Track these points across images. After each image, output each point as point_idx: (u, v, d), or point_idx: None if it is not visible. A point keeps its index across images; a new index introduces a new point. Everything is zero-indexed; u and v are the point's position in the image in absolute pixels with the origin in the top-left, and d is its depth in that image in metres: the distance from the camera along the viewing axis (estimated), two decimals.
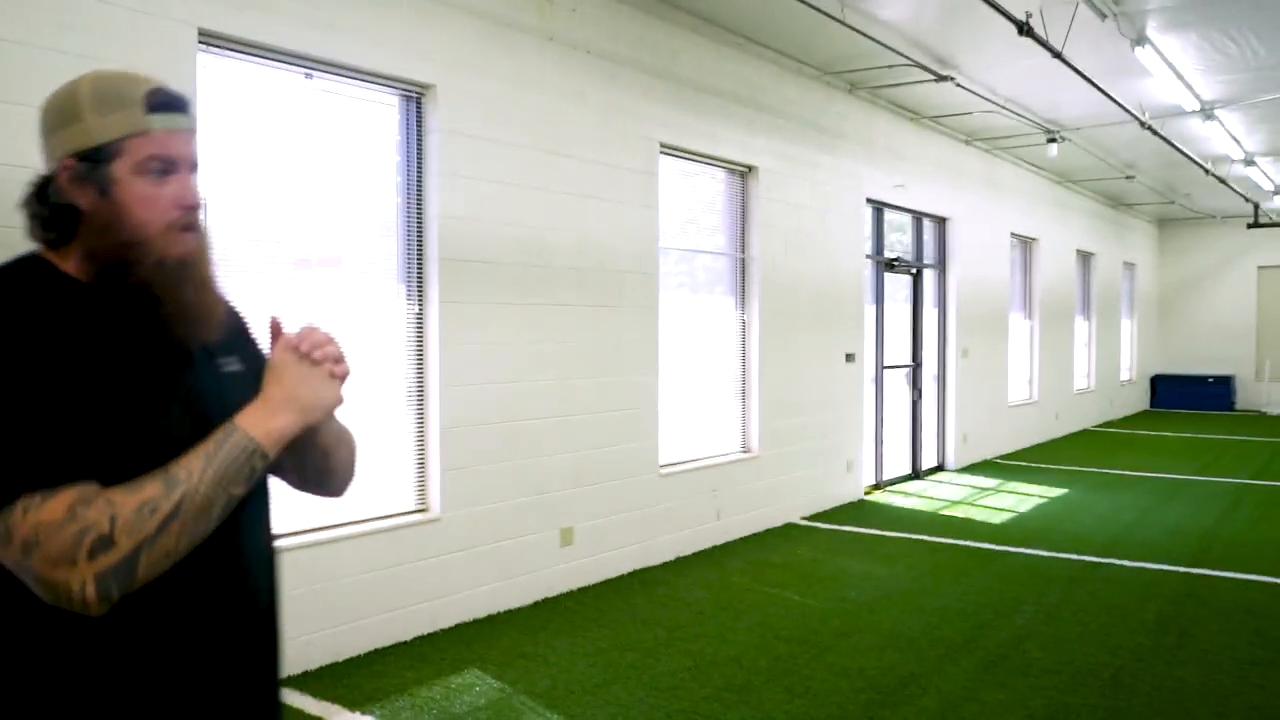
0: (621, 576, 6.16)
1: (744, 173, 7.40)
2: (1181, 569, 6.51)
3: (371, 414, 4.93)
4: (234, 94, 4.31)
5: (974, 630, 5.20)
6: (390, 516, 4.94)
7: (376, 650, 4.76)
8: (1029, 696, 4.28)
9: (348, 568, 4.65)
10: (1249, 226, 17.28)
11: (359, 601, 4.70)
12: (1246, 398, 18.49)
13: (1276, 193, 14.77)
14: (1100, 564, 6.67)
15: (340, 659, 4.62)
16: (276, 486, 1.62)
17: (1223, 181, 13.46)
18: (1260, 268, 18.41)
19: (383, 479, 4.98)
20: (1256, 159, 12.17)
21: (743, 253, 7.44)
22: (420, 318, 5.07)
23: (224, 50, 4.20)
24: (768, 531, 7.51)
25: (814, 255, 8.08)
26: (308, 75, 4.54)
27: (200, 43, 4.04)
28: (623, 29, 6.11)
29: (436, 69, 4.96)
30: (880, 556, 6.82)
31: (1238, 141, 11.09)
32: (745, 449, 7.50)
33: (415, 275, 5.04)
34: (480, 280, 5.23)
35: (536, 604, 5.57)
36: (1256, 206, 16.16)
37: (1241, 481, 10.23)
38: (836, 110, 8.36)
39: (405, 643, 4.87)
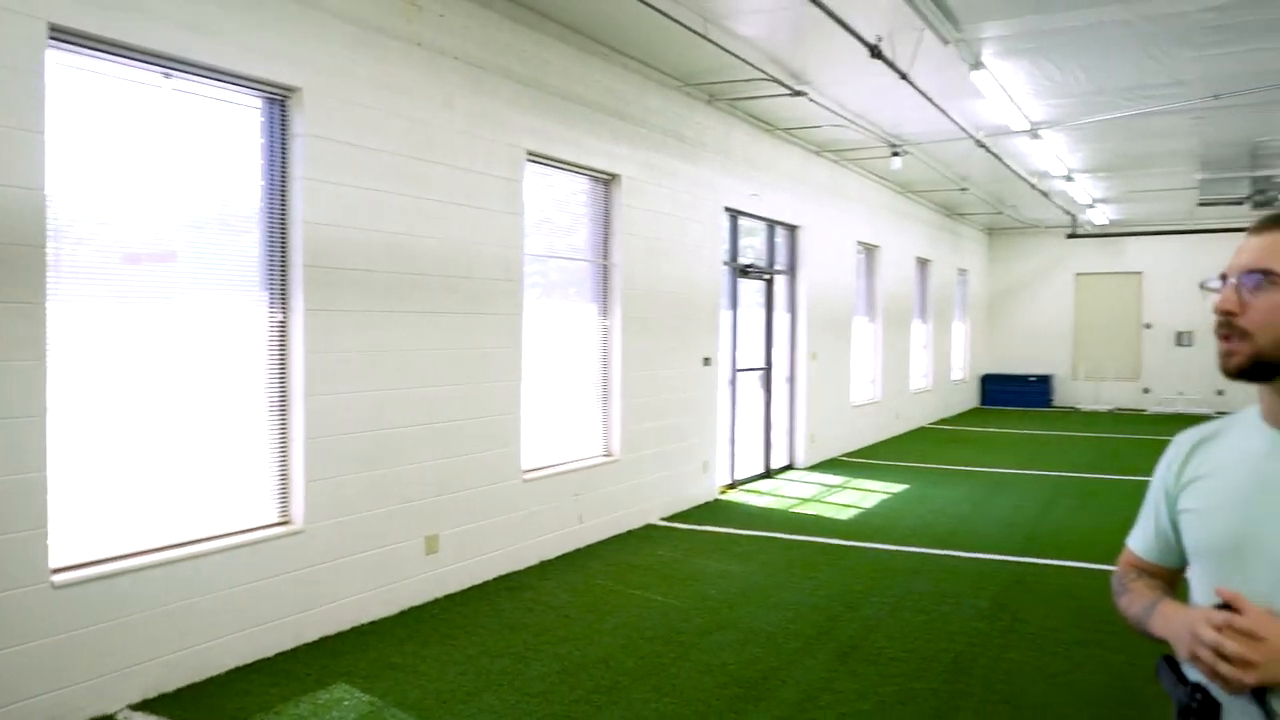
0: (487, 583, 6.19)
1: (608, 181, 7.53)
2: (1011, 558, 7.01)
3: (229, 425, 4.80)
4: (85, 92, 4.13)
5: (827, 623, 5.48)
6: (251, 530, 4.83)
7: (239, 668, 4.65)
8: (879, 684, 4.56)
9: (207, 585, 4.52)
10: (1068, 236, 18.64)
11: (220, 619, 4.58)
12: (1064, 395, 19.93)
13: (1092, 206, 15.97)
14: (938, 555, 7.12)
15: (201, 679, 4.49)
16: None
17: (1046, 195, 14.48)
18: (1078, 275, 19.85)
19: (242, 492, 4.86)
20: (1076, 175, 13.15)
21: (605, 259, 7.57)
22: (284, 325, 4.97)
23: (77, 47, 4.02)
24: (628, 533, 7.67)
25: (674, 261, 8.29)
26: (166, 75, 4.39)
27: (51, 39, 3.86)
28: (491, 36, 6.13)
29: (302, 72, 4.87)
30: (736, 555, 7.08)
31: (1060, 159, 11.96)
32: (606, 453, 7.63)
33: (278, 282, 4.93)
34: (346, 288, 5.17)
35: (403, 613, 5.54)
36: (1074, 218, 17.44)
37: (1061, 474, 11.04)
38: (697, 121, 8.60)
39: (269, 659, 4.78)
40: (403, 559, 5.60)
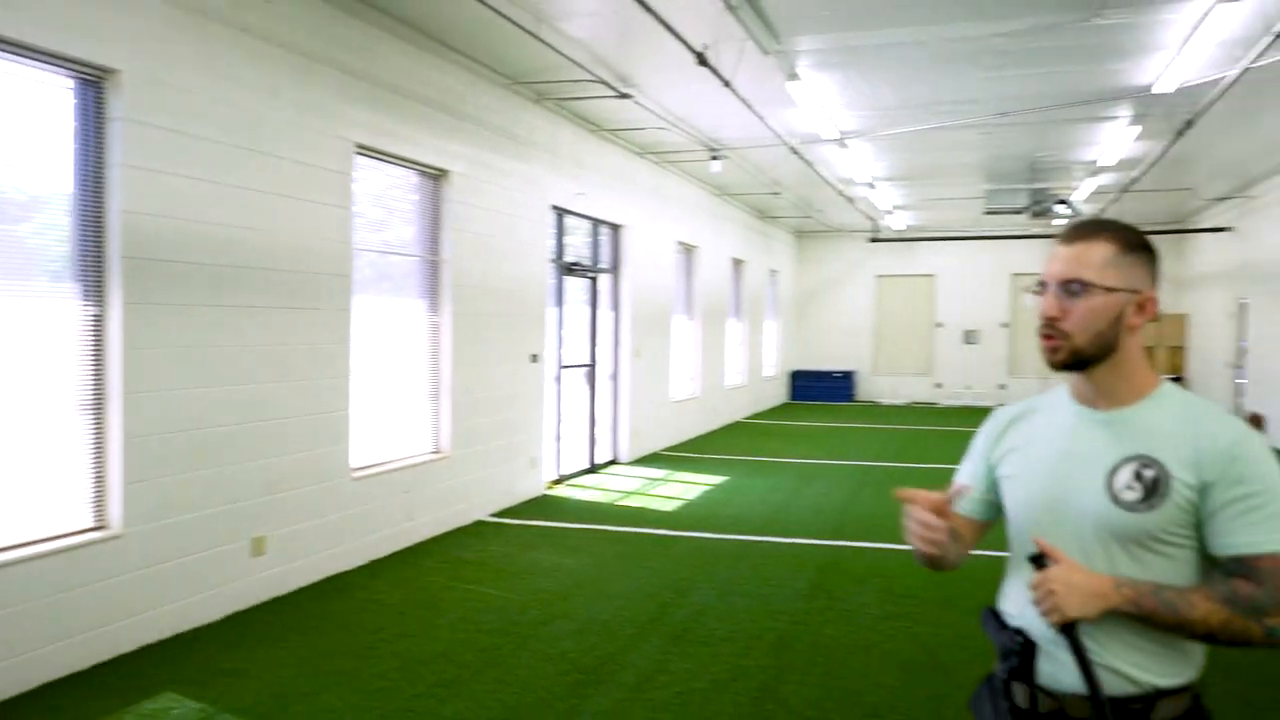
0: (317, 583, 6.06)
1: (438, 176, 7.48)
2: (824, 542, 7.45)
3: (37, 425, 4.52)
4: None
5: (658, 609, 5.68)
6: (63, 536, 4.56)
7: (50, 683, 4.39)
8: (711, 663, 4.79)
9: (13, 596, 4.25)
10: (870, 240, 19.78)
11: (28, 632, 4.31)
12: (865, 390, 21.14)
13: (891, 212, 17.03)
14: (759, 541, 7.47)
15: (8, 696, 4.22)
16: None
17: (851, 201, 15.34)
18: (878, 277, 21.11)
19: (53, 496, 4.58)
20: (878, 183, 14.01)
21: (436, 255, 7.53)
22: (99, 319, 4.71)
23: None
24: (458, 530, 7.66)
25: (503, 259, 8.33)
26: None
27: None
28: (320, 26, 5.99)
29: (120, 53, 4.63)
30: (567, 548, 7.20)
31: (865, 168, 12.72)
32: (436, 450, 7.59)
33: (93, 274, 4.68)
34: (168, 280, 4.95)
35: (230, 618, 5.36)
36: (876, 223, 18.55)
37: (865, 464, 11.75)
38: (526, 119, 8.66)
39: (83, 672, 4.53)
40: (228, 562, 5.41)
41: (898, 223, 18.23)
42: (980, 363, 20.38)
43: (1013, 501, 1.87)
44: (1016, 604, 1.83)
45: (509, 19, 6.32)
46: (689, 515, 8.49)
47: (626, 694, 4.40)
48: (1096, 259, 1.70)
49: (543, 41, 6.80)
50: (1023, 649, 1.75)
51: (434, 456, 7.48)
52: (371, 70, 6.49)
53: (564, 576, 6.40)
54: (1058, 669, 1.71)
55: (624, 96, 8.41)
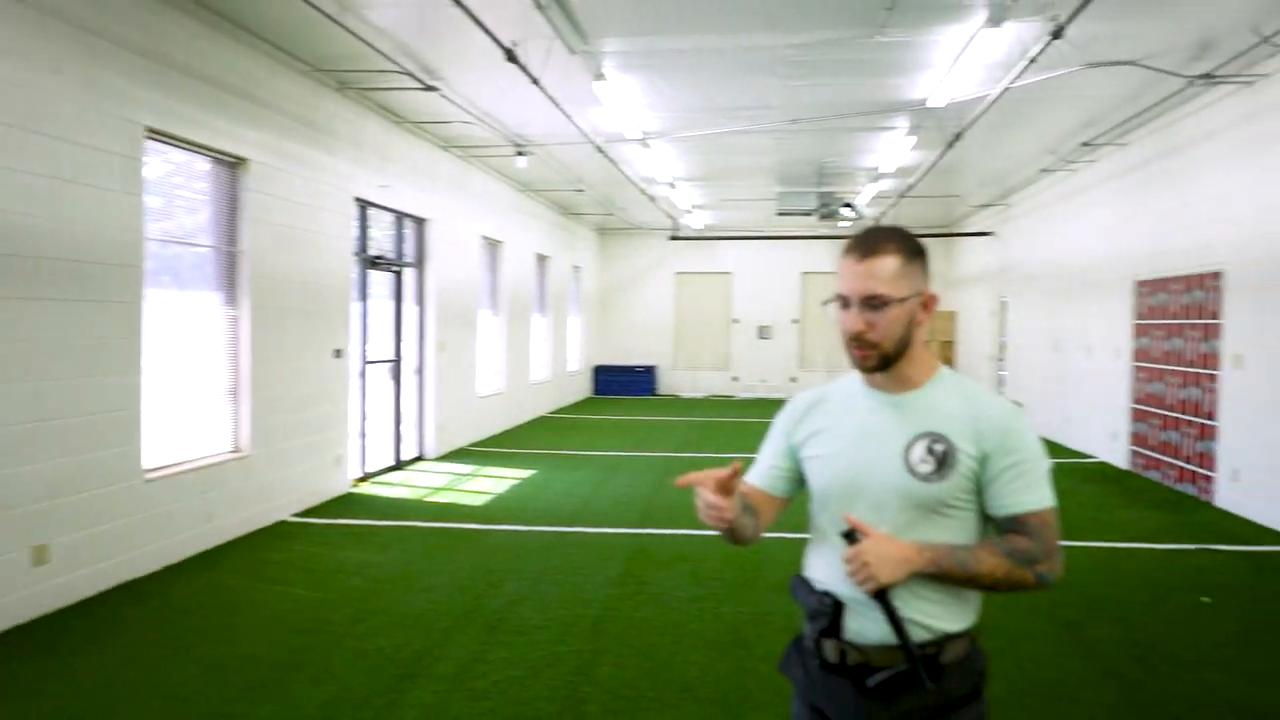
0: (109, 591, 5.73)
1: (235, 164, 7.19)
2: (632, 530, 7.68)
3: None
4: None
5: (472, 602, 5.72)
6: None
7: None
8: (527, 651, 4.88)
9: None
10: (670, 238, 20.33)
11: None
12: (666, 384, 21.74)
13: (691, 211, 17.58)
14: (568, 532, 7.62)
15: None
16: None
17: (652, 200, 15.74)
18: (677, 274, 21.73)
19: None
20: (679, 182, 14.45)
21: (234, 247, 7.23)
22: None
23: None
24: (261, 531, 7.40)
25: (305, 251, 8.09)
26: None
27: None
28: (107, 1, 5.65)
29: None
30: (375, 545, 7.10)
31: (666, 168, 13.10)
32: (236, 448, 7.31)
33: None
34: None
35: (8, 633, 4.99)
36: (676, 222, 19.09)
37: (668, 455, 12.13)
38: (329, 108, 8.43)
39: None
40: (5, 573, 5.04)
41: (697, 222, 18.83)
42: (773, 357, 21.39)
43: (818, 479, 2.06)
44: (823, 570, 2.01)
45: (310, 3, 6.17)
46: (498, 509, 8.53)
47: (445, 686, 4.43)
48: (888, 273, 1.89)
49: (346, 29, 6.68)
50: (833, 609, 1.95)
51: (234, 455, 7.20)
52: (163, 50, 6.17)
53: (374, 573, 6.32)
54: (863, 624, 1.91)
55: (430, 89, 8.35)
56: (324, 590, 5.92)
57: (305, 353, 8.14)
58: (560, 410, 17.76)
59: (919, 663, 1.85)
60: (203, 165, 6.95)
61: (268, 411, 7.56)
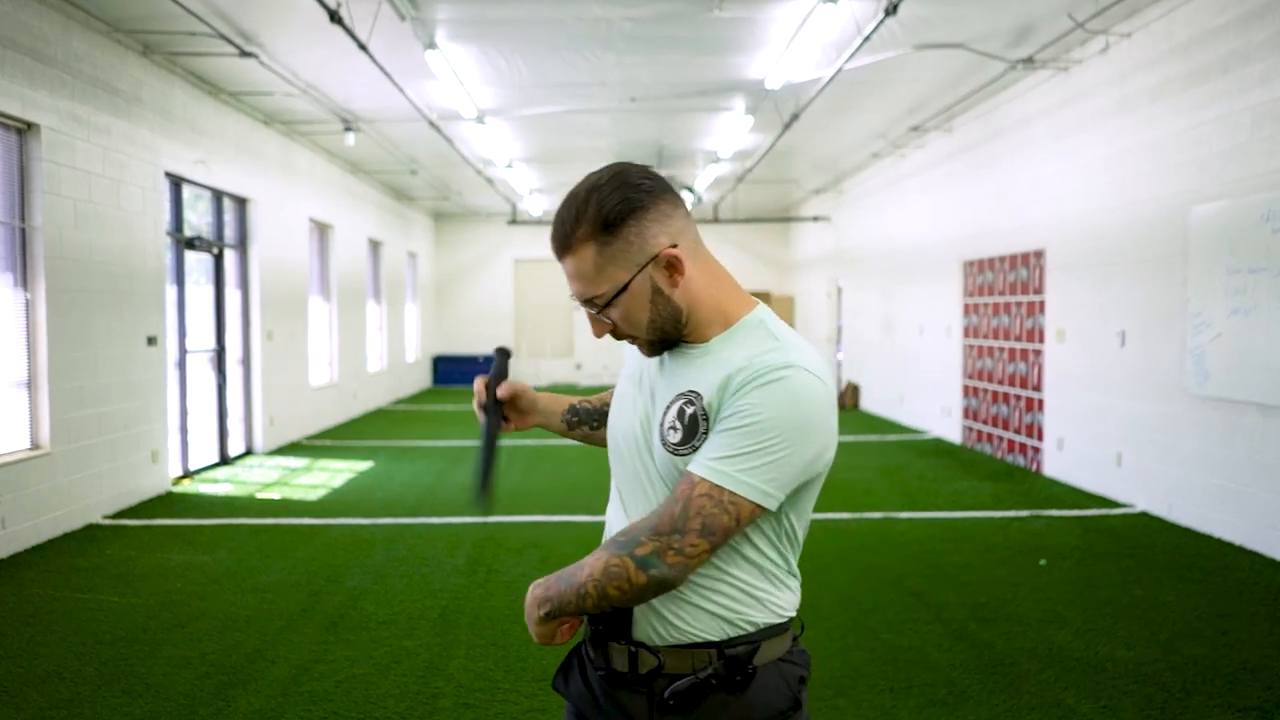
0: None
1: (23, 130, 6.47)
2: (479, 519, 7.39)
3: None
4: None
5: (310, 599, 5.34)
6: None
7: None
8: (371, 648, 4.56)
9: None
10: (509, 223, 19.95)
11: None
12: (511, 373, 21.29)
13: (530, 195, 17.28)
14: (412, 524, 7.27)
15: None
16: None
17: (490, 183, 15.36)
18: (517, 260, 21.36)
19: None
20: (516, 164, 14.13)
21: (25, 222, 6.52)
22: None
23: None
24: (66, 535, 6.73)
25: (109, 229, 7.39)
26: None
27: None
28: None
29: None
30: (200, 545, 6.57)
31: (503, 148, 12.76)
32: (35, 446, 6.60)
33: None
34: None
35: None
36: (514, 206, 18.74)
37: (513, 443, 11.84)
38: (131, 74, 7.73)
39: None
40: None
41: (536, 206, 18.55)
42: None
43: (609, 421, 1.72)
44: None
45: None
46: (336, 502, 8.07)
47: (280, 690, 4.07)
48: (588, 268, 1.48)
49: None
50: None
51: (32, 454, 6.49)
52: None
53: (198, 575, 5.82)
54: (654, 621, 1.52)
55: (247, 55, 7.78)
56: (140, 596, 5.39)
57: (113, 340, 7.45)
58: (398, 402, 17.18)
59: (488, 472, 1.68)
60: None
61: (71, 405, 6.86)
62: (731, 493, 1.40)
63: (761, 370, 1.43)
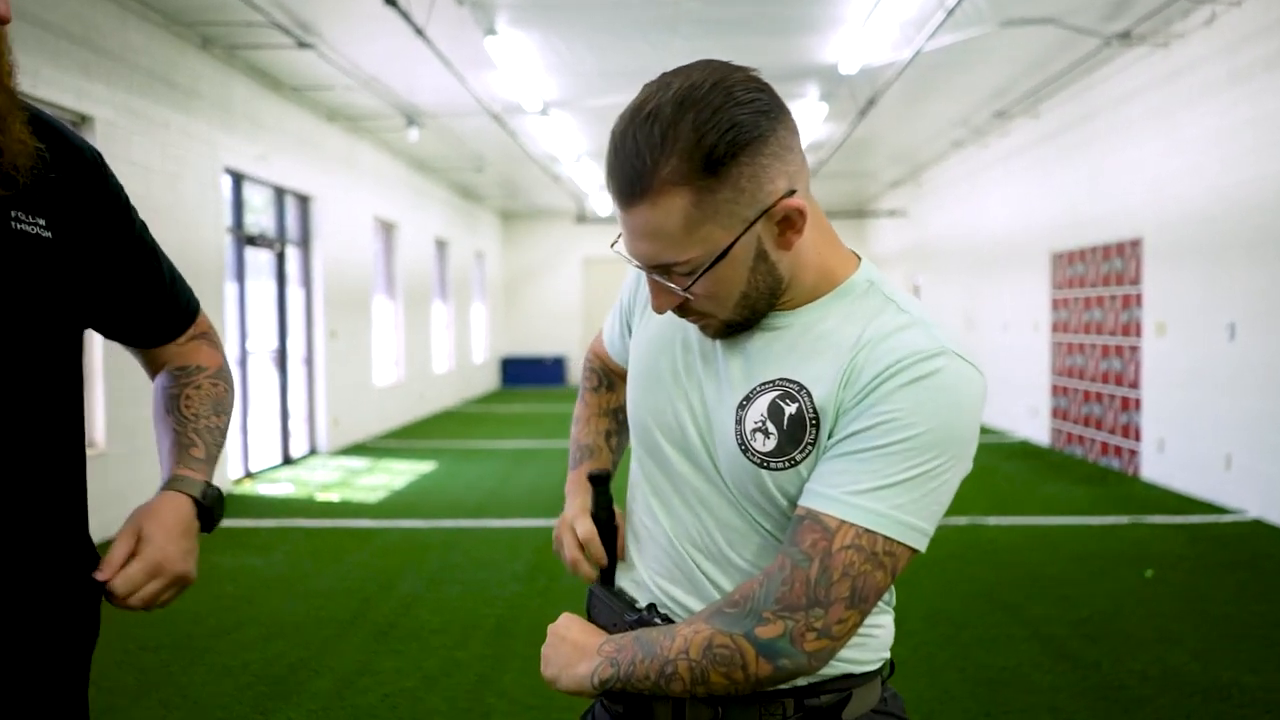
0: None
1: (78, 123, 6.37)
2: (541, 523, 7.11)
3: None
4: None
5: (360, 605, 5.10)
6: None
7: None
8: (422, 658, 4.29)
9: None
10: (577, 221, 19.74)
11: None
12: (576, 374, 21.14)
13: (597, 192, 17.03)
14: (472, 527, 7.02)
15: None
16: None
17: (557, 179, 15.13)
18: (585, 260, 21.12)
19: None
20: (583, 158, 13.87)
21: None
22: None
23: None
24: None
25: (167, 225, 7.27)
26: None
27: None
28: None
29: None
30: (255, 547, 6.40)
31: (569, 142, 12.50)
32: (90, 444, 6.49)
33: None
34: None
35: None
36: (582, 205, 18.51)
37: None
38: (189, 67, 7.62)
39: None
40: None
41: (604, 205, 18.30)
42: None
43: (629, 396, 1.28)
44: (646, 566, 1.24)
45: None
46: (396, 504, 7.87)
47: (322, 702, 3.81)
48: (673, 223, 1.03)
49: None
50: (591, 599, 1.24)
51: (89, 453, 6.38)
52: None
53: (249, 579, 5.63)
54: None
55: (305, 46, 7.62)
56: (187, 600, 5.19)
57: None
58: (466, 403, 17.05)
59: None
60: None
61: (127, 404, 6.75)
62: (888, 539, 1.01)
63: (906, 360, 1.04)
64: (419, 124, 10.61)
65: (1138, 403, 8.63)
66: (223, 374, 1.46)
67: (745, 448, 1.10)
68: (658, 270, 1.08)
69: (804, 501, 1.05)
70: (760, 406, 1.10)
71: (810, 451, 1.07)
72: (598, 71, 9.10)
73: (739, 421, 1.11)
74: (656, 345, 1.24)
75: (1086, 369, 9.69)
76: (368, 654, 4.35)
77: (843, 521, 1.01)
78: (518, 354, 20.89)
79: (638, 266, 1.11)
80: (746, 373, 1.12)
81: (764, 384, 1.11)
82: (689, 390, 1.18)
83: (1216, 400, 7.36)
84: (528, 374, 20.55)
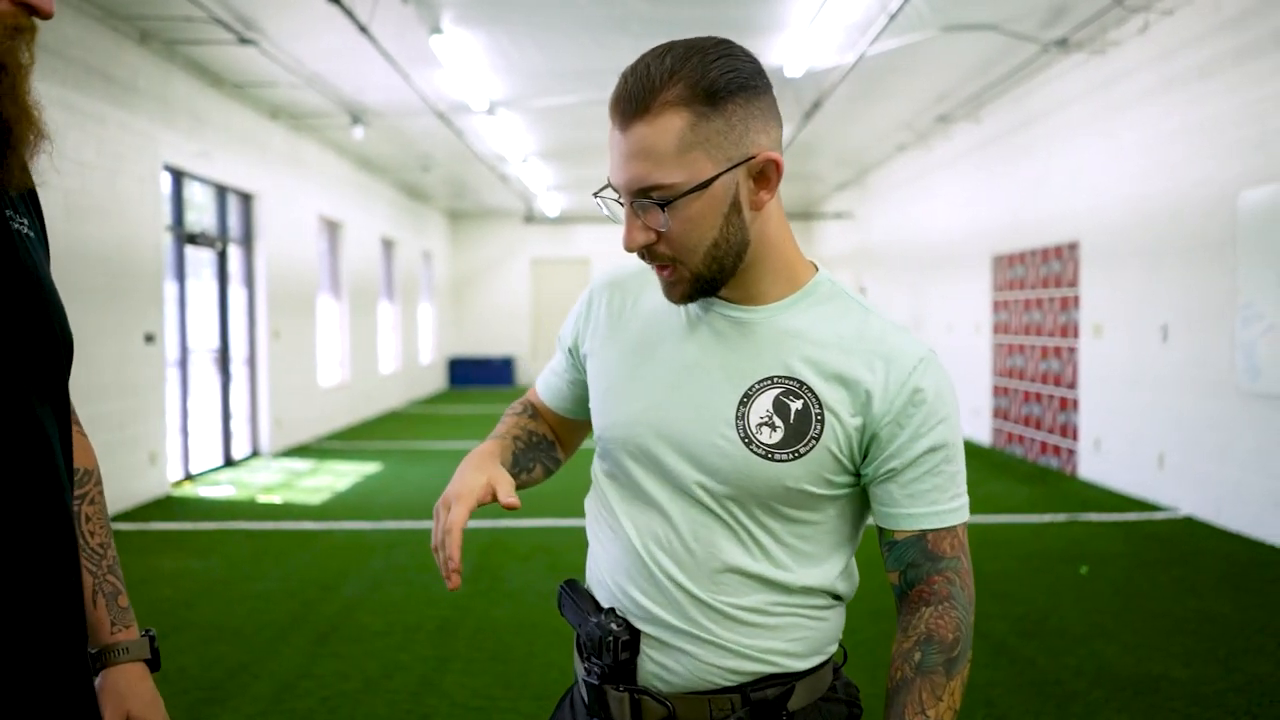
0: None
1: None
2: (486, 523, 7.07)
3: None
4: None
5: (301, 608, 5.03)
6: None
7: None
8: (363, 661, 4.25)
9: None
10: (525, 222, 19.66)
11: None
12: (526, 375, 21.05)
13: (545, 193, 16.97)
14: (417, 529, 6.96)
15: None
16: None
17: (504, 180, 15.06)
18: (534, 260, 21.05)
19: None
20: (530, 159, 13.82)
21: None
22: None
23: None
24: None
25: (104, 222, 7.13)
26: None
27: None
28: None
29: None
30: (194, 550, 6.29)
31: (517, 142, 12.45)
32: None
33: None
34: None
35: None
36: (530, 205, 18.44)
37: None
38: (128, 61, 7.46)
39: None
40: None
41: (552, 205, 18.24)
42: None
43: (599, 413, 1.33)
44: (609, 568, 1.28)
45: None
46: (339, 506, 7.78)
47: (261, 707, 3.75)
48: (667, 142, 1.10)
49: None
50: (625, 639, 1.24)
51: None
52: None
53: (189, 582, 5.53)
54: (667, 660, 1.23)
55: (247, 43, 7.51)
56: None
57: (107, 338, 7.18)
58: (413, 403, 16.90)
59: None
60: None
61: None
62: (964, 527, 1.26)
63: (914, 359, 1.20)
64: (364, 122, 10.50)
65: (1075, 403, 8.82)
66: (99, 477, 1.33)
67: (749, 440, 1.18)
68: (639, 195, 1.14)
69: (918, 524, 1.21)
70: (765, 402, 1.18)
71: (814, 445, 1.18)
72: (545, 71, 9.08)
73: (740, 417, 1.19)
74: (634, 352, 1.29)
75: (1026, 369, 9.88)
76: (308, 657, 4.30)
77: (954, 535, 1.23)
78: (465, 354, 20.75)
79: (618, 201, 1.18)
80: (738, 369, 1.20)
81: (760, 380, 1.19)
82: (673, 389, 1.24)
83: (1150, 400, 7.54)
84: (475, 375, 20.42)
